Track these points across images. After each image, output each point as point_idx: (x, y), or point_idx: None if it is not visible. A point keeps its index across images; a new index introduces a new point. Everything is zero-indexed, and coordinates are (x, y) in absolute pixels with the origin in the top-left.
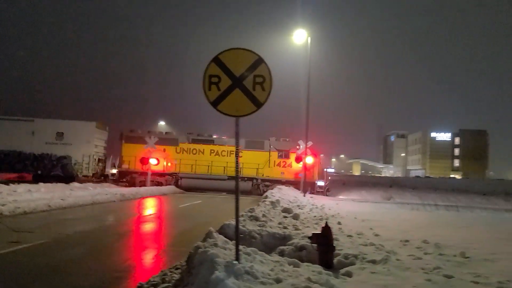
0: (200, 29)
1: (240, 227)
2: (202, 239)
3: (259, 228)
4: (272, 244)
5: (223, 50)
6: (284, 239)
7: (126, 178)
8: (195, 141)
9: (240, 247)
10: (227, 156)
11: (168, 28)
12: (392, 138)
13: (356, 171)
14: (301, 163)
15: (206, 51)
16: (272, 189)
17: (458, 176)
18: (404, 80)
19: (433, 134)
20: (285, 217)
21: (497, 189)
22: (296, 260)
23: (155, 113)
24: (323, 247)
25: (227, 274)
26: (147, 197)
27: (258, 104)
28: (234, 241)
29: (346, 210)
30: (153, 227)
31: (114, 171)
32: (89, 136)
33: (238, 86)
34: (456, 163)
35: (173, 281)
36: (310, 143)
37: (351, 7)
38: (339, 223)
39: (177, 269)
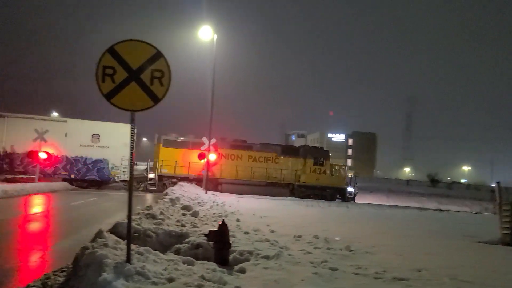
0: (95, 18)
1: (135, 225)
2: (91, 239)
3: (155, 226)
4: (168, 242)
5: (120, 41)
6: (181, 237)
7: (165, 183)
8: (234, 146)
9: (133, 246)
10: (264, 162)
11: (63, 17)
12: (293, 137)
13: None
14: (205, 159)
15: (100, 42)
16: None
17: (350, 175)
18: (306, 82)
19: (329, 135)
20: (184, 214)
21: (382, 187)
22: (191, 258)
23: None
24: (218, 244)
25: (116, 275)
26: (35, 194)
27: (156, 100)
28: (126, 241)
29: (246, 207)
30: (40, 226)
31: (152, 175)
32: (127, 139)
33: (135, 79)
34: (349, 162)
35: (56, 285)
36: (213, 140)
37: (256, 6)
38: (237, 220)
39: (62, 271)
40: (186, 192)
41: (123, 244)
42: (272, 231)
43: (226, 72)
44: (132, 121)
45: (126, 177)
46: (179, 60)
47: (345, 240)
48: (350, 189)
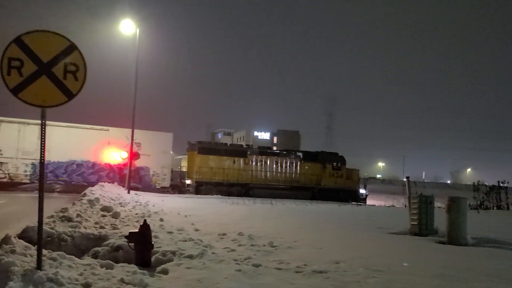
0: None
1: (48, 229)
2: None
3: (71, 229)
4: (86, 246)
5: (28, 31)
6: (100, 239)
7: (201, 188)
8: (262, 153)
9: (45, 252)
10: (289, 167)
11: None
12: (220, 135)
13: (185, 167)
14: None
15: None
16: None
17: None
18: (231, 80)
19: (255, 133)
20: (103, 216)
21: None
22: (110, 262)
23: None
24: (139, 246)
25: (25, 284)
26: None
27: (70, 95)
28: (37, 246)
29: (171, 207)
30: None
31: (189, 181)
32: (167, 147)
33: (46, 73)
34: None
35: None
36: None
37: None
38: (161, 219)
39: None
40: (107, 192)
41: (33, 250)
42: (197, 230)
43: (151, 68)
44: (42, 118)
45: (166, 183)
46: (102, 53)
47: (268, 237)
48: (362, 191)
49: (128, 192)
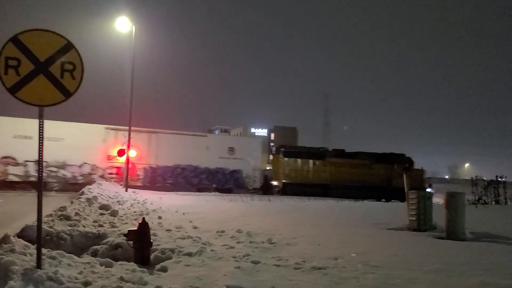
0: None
1: (47, 228)
2: None
3: (70, 228)
4: (85, 244)
5: (25, 30)
6: (99, 238)
7: (287, 189)
8: (338, 155)
9: (44, 251)
10: (361, 168)
11: None
12: (216, 132)
13: None
14: (124, 156)
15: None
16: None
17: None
18: (227, 77)
19: (252, 130)
20: (102, 214)
21: None
22: (109, 260)
23: None
24: (138, 244)
25: (25, 283)
26: None
27: (67, 94)
28: (36, 245)
29: (169, 204)
30: None
31: (275, 183)
32: (257, 150)
33: (43, 72)
34: (271, 156)
35: None
36: (129, 136)
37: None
38: (159, 217)
39: None
40: (105, 190)
41: (32, 249)
42: (195, 227)
43: (147, 66)
44: (40, 117)
45: (257, 185)
46: (97, 50)
47: (267, 233)
48: (428, 190)
49: (126, 190)
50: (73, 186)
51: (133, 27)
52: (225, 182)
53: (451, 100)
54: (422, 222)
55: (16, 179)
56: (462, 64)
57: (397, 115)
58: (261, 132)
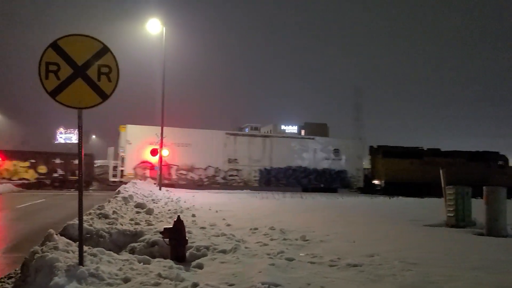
0: (38, 14)
1: (87, 226)
2: (40, 243)
3: (108, 226)
4: (123, 242)
5: (63, 36)
6: (136, 235)
7: (388, 187)
8: (434, 154)
9: (85, 248)
10: (458, 167)
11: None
12: (247, 130)
13: None
14: (157, 156)
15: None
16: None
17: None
18: (257, 75)
19: (283, 127)
20: (138, 212)
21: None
22: (147, 257)
23: None
24: (174, 241)
25: (68, 279)
26: None
27: (104, 96)
28: (78, 243)
29: (202, 202)
30: None
31: (377, 182)
32: (360, 152)
33: (81, 75)
34: None
35: None
36: (165, 136)
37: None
38: (193, 215)
39: (10, 278)
40: (140, 189)
41: (74, 246)
42: (228, 225)
43: (177, 65)
44: (79, 119)
45: (360, 184)
46: (127, 53)
47: (300, 231)
48: None
49: (160, 189)
50: (199, 187)
51: (164, 29)
52: (331, 182)
53: (490, 90)
54: (460, 218)
55: (152, 181)
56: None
57: (431, 108)
58: (292, 129)
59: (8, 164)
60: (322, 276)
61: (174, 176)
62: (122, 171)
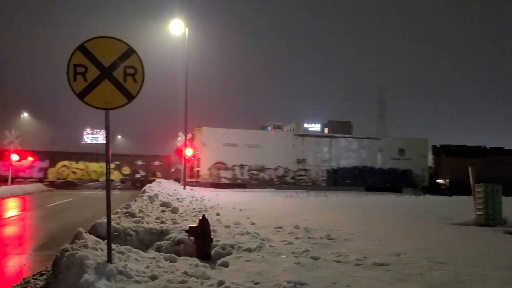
0: (66, 15)
1: (114, 224)
2: (70, 241)
3: (135, 224)
4: (149, 240)
5: (90, 38)
6: (162, 234)
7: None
8: (498, 153)
9: (113, 246)
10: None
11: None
12: (269, 129)
13: None
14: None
15: (71, 40)
16: None
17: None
18: (278, 73)
19: (306, 125)
20: (163, 211)
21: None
22: (173, 255)
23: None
24: (200, 240)
25: (98, 276)
26: (8, 197)
27: (130, 97)
28: (106, 241)
29: (225, 201)
30: (15, 230)
31: (441, 181)
32: (425, 151)
33: (107, 77)
34: None
35: None
36: (189, 135)
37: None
38: (217, 214)
39: (41, 275)
40: (164, 188)
41: (103, 244)
42: (253, 224)
43: (199, 65)
44: (106, 120)
45: (426, 183)
46: (149, 53)
47: (325, 229)
48: None
49: (184, 188)
50: (270, 187)
51: (186, 29)
52: (397, 181)
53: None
54: (490, 217)
55: (226, 181)
56: None
57: (457, 104)
58: (315, 127)
59: (95, 166)
60: (348, 275)
61: (246, 176)
62: (198, 171)
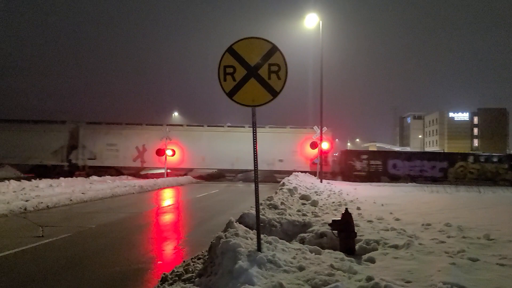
0: (207, 17)
1: (260, 215)
2: (223, 229)
3: (278, 216)
4: (292, 231)
5: (237, 40)
6: (304, 226)
7: None
8: None
9: (261, 236)
10: None
11: (172, 18)
12: (409, 120)
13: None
14: (317, 148)
15: (214, 41)
16: None
17: None
18: (418, 60)
19: (451, 115)
20: (303, 204)
21: None
22: (318, 248)
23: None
24: (344, 234)
25: (250, 263)
26: (164, 188)
27: (274, 93)
28: (254, 230)
29: (365, 195)
30: (172, 218)
31: None
32: None
33: (253, 75)
34: (475, 143)
35: (197, 271)
36: (325, 129)
37: None
38: (358, 208)
39: (199, 259)
40: (302, 181)
41: (251, 234)
42: (397, 219)
43: (333, 59)
44: (253, 116)
45: None
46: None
47: (482, 228)
48: None
49: (321, 181)
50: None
51: (320, 23)
52: None
53: None
54: None
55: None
56: None
57: None
58: (462, 116)
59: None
60: None
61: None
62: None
